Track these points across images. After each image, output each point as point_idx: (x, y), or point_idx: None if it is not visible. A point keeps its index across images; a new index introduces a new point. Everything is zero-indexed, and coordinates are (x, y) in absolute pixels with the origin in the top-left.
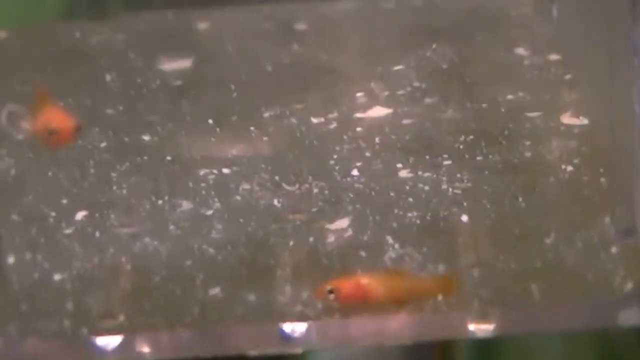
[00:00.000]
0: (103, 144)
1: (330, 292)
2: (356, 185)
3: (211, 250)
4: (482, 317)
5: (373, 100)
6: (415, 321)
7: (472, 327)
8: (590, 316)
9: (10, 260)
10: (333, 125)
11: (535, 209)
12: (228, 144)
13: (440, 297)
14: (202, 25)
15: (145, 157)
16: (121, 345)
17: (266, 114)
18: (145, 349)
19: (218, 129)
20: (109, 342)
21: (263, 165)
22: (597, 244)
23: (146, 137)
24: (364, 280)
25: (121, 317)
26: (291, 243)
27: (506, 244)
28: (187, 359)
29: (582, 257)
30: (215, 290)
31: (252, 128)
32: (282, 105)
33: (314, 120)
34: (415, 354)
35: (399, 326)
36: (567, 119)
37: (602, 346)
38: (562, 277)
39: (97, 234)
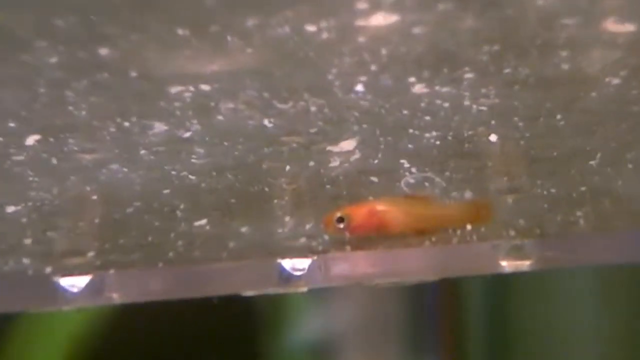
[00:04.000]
0: (53, 60)
1: (341, 220)
2: (362, 102)
3: (192, 178)
4: (517, 251)
5: (375, 6)
6: (440, 255)
7: (504, 262)
8: None
9: None
10: (330, 35)
11: (577, 127)
12: (205, 57)
13: (469, 227)
14: None
15: (106, 74)
16: (90, 286)
17: (250, 23)
18: (119, 291)
19: (193, 41)
20: (76, 282)
21: (249, 81)
22: None
23: (104, 51)
24: (380, 206)
25: (90, 254)
26: (287, 168)
27: (543, 167)
28: (171, 302)
29: (632, 181)
30: (200, 223)
31: (233, 39)
32: (268, 12)
33: (308, 28)
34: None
35: (421, 260)
36: (610, 25)
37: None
38: (610, 204)
39: (54, 160)
